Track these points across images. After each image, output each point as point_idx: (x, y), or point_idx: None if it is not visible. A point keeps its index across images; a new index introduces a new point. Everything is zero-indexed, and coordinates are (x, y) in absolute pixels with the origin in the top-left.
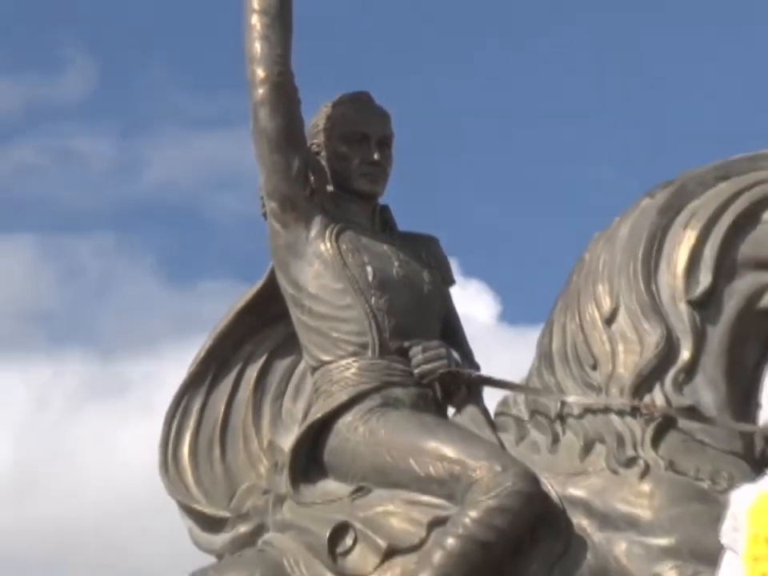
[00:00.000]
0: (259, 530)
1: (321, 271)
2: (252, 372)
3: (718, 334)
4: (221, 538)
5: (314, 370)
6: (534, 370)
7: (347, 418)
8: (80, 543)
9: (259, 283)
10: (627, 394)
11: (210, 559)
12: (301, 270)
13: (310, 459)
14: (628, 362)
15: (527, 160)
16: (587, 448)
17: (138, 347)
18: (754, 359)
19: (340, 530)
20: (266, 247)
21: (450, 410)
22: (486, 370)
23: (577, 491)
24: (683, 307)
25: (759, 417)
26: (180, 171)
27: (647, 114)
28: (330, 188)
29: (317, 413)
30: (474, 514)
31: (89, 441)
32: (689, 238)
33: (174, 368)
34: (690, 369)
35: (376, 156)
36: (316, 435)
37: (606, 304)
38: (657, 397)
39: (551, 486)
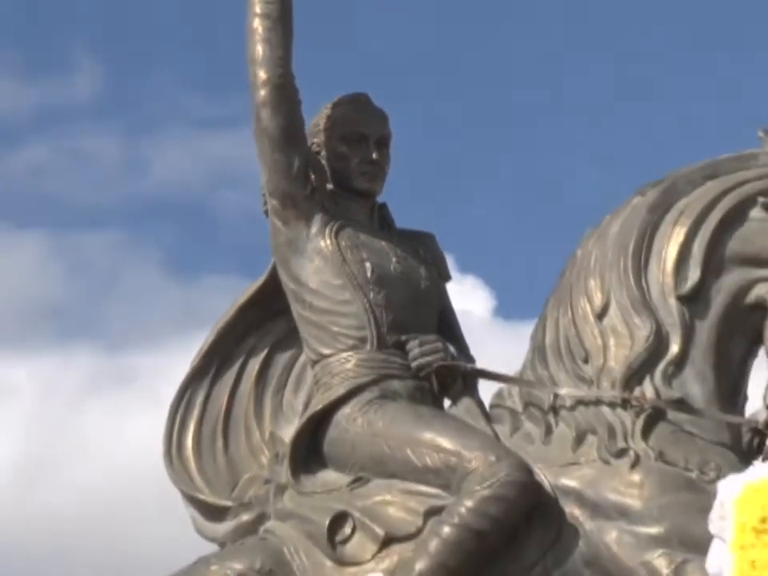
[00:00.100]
0: (260, 518)
1: (321, 267)
2: (254, 365)
3: (706, 329)
4: (223, 527)
5: (314, 363)
6: (527, 363)
7: (346, 410)
8: (86, 531)
9: (261, 279)
10: (618, 387)
11: (213, 547)
12: (301, 266)
13: (310, 450)
14: (619, 355)
15: (522, 158)
16: (579, 439)
17: (144, 340)
18: (741, 353)
19: (339, 519)
20: (268, 244)
21: (446, 402)
22: (481, 363)
23: (569, 481)
24: (672, 302)
25: (746, 409)
26: (186, 170)
27: (636, 114)
28: (329, 186)
29: (317, 405)
30: (469, 503)
31: (96, 431)
32: (678, 234)
33: (179, 361)
34: (679, 362)
35: (374, 155)
36: (316, 426)
37: (598, 299)
38: (647, 389)
39: (544, 476)
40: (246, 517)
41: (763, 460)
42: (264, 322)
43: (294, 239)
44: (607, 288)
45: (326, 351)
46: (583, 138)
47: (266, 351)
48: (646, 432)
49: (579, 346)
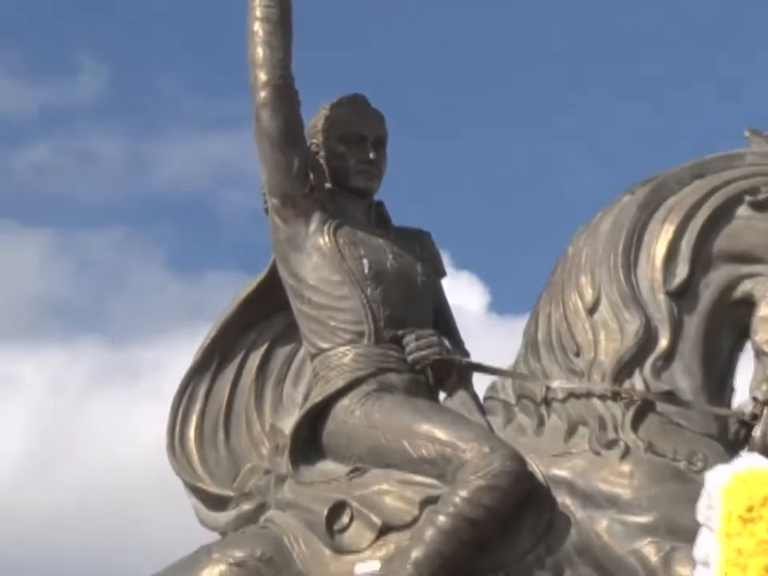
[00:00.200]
0: (261, 508)
1: (319, 264)
2: (255, 359)
3: (694, 323)
4: (225, 516)
5: (313, 356)
6: (520, 357)
7: (344, 402)
8: (91, 523)
9: (261, 275)
10: (608, 380)
11: (215, 536)
12: (301, 262)
13: (309, 441)
14: (609, 349)
15: (517, 158)
16: (571, 430)
17: (148, 335)
18: (728, 347)
19: (337, 508)
20: (269, 241)
21: (442, 395)
22: (475, 357)
23: (561, 471)
24: (661, 298)
25: (733, 401)
26: (188, 170)
27: (627, 113)
28: (328, 185)
29: (316, 397)
30: (463, 492)
31: (101, 423)
32: (666, 232)
33: (182, 355)
34: (668, 356)
35: (372, 155)
36: (315, 418)
37: (589, 294)
38: (636, 382)
39: (537, 467)
40: (246, 506)
41: (749, 451)
42: (264, 317)
43: (293, 236)
44: (598, 284)
45: (325, 345)
46: (577, 138)
47: (266, 345)
48: (636, 423)
49: (571, 340)
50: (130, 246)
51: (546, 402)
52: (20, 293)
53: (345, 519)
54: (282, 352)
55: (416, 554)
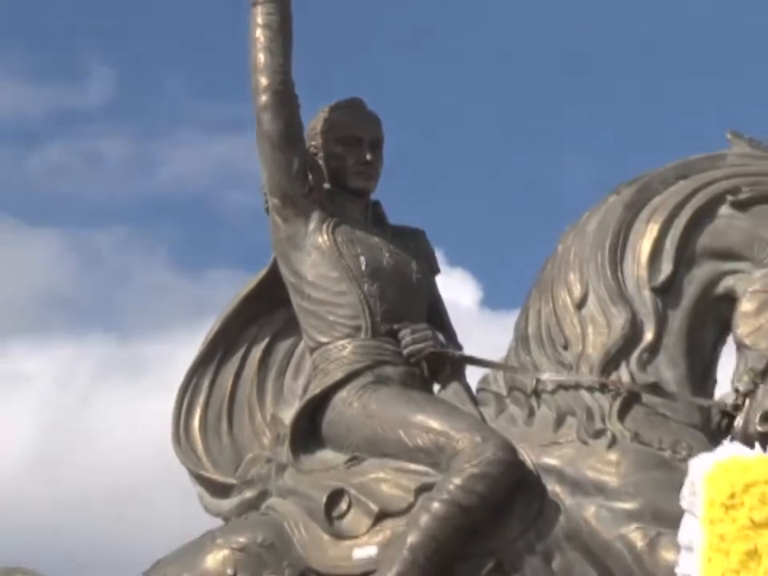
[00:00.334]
0: (263, 495)
1: (318, 261)
2: (256, 352)
3: (678, 318)
4: (228, 503)
5: (313, 350)
6: (511, 351)
7: (342, 394)
8: (99, 508)
9: (263, 272)
10: (596, 372)
11: (218, 522)
12: (300, 260)
13: (309, 431)
14: (597, 342)
15: (509, 160)
16: (560, 421)
17: (153, 330)
18: (711, 340)
19: (336, 496)
20: (269, 239)
21: (436, 387)
22: (468, 351)
23: (550, 460)
24: (647, 293)
25: (715, 392)
26: (192, 171)
27: (617, 113)
28: (326, 186)
29: (315, 389)
30: (457, 480)
31: (108, 415)
32: (651, 230)
33: (186, 349)
34: (653, 349)
35: (368, 156)
36: (314, 409)
37: (577, 290)
38: (623, 374)
39: (527, 456)
40: (249, 494)
41: (731, 440)
42: (265, 312)
43: (293, 235)
44: (586, 280)
45: (324, 339)
46: (569, 137)
47: (267, 339)
48: (622, 414)
49: (560, 334)
50: (135, 244)
51: (536, 393)
52: (28, 290)
53: (343, 506)
54: (283, 346)
55: (411, 539)
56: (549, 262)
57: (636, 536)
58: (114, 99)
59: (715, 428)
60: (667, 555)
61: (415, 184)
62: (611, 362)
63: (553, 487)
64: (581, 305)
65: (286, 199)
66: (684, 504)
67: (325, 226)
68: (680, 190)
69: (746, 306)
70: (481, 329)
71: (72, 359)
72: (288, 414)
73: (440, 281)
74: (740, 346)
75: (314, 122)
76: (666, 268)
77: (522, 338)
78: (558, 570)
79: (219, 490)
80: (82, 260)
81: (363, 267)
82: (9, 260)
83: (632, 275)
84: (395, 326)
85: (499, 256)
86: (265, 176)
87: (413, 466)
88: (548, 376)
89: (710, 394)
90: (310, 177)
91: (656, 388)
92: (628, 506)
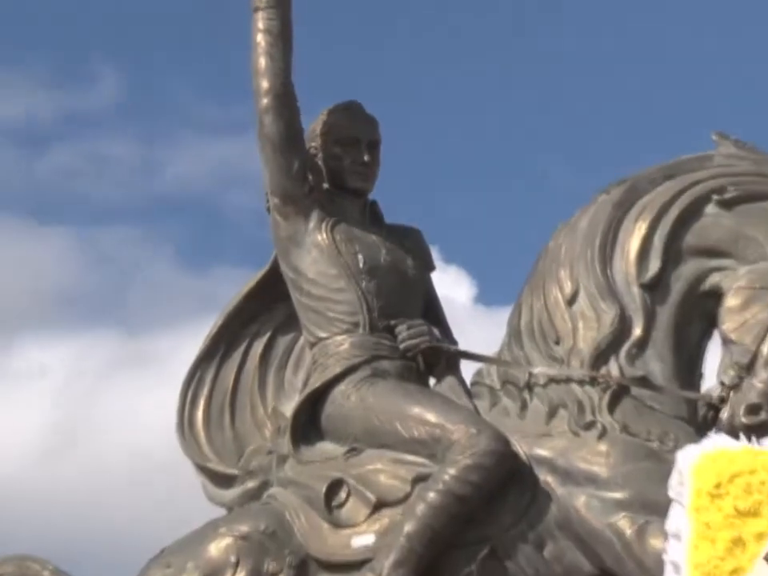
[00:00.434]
0: (264, 485)
1: (318, 258)
2: (258, 347)
3: (666, 313)
4: (230, 493)
5: (312, 345)
6: (505, 345)
7: (341, 387)
8: (108, 497)
9: (264, 269)
10: (586, 366)
11: (221, 511)
12: (300, 257)
13: (309, 423)
14: (587, 337)
15: (503, 160)
16: (551, 413)
17: (159, 326)
18: (697, 335)
19: (335, 486)
20: (271, 237)
21: (432, 381)
22: (463, 346)
23: (542, 451)
24: (635, 290)
25: (702, 385)
26: (196, 171)
27: (613, 114)
28: (326, 186)
29: (315, 383)
30: (452, 471)
31: (117, 407)
32: (640, 229)
33: (191, 344)
34: (642, 343)
35: (366, 157)
36: (314, 402)
37: (568, 287)
38: (612, 368)
39: (520, 447)
40: (251, 484)
41: (717, 432)
42: (266, 308)
43: (293, 233)
44: (576, 277)
45: (323, 334)
46: (564, 135)
47: (268, 334)
48: (612, 406)
49: (551, 329)
50: (142, 242)
51: (529, 386)
52: (38, 287)
53: (342, 495)
54: (284, 341)
55: (408, 527)
56: (540, 259)
57: (625, 524)
58: (121, 102)
59: (702, 420)
60: (655, 543)
61: (410, 183)
62: (601, 356)
63: (545, 477)
64: (571, 301)
65: (287, 199)
66: (672, 493)
67: (324, 225)
68: (667, 190)
69: (731, 301)
70: (475, 324)
71: (83, 353)
72: (288, 407)
73: (435, 278)
74: (725, 341)
75: (313, 124)
76: (654, 265)
77: (514, 333)
78: (549, 557)
79: (222, 480)
80: (90, 258)
81: (361, 265)
82: (20, 258)
83: (621, 272)
84: (392, 322)
85: (493, 254)
86: (266, 176)
87: (409, 457)
88: (540, 370)
89: (697, 388)
90: (310, 177)
91: (644, 381)
92: (617, 495)
